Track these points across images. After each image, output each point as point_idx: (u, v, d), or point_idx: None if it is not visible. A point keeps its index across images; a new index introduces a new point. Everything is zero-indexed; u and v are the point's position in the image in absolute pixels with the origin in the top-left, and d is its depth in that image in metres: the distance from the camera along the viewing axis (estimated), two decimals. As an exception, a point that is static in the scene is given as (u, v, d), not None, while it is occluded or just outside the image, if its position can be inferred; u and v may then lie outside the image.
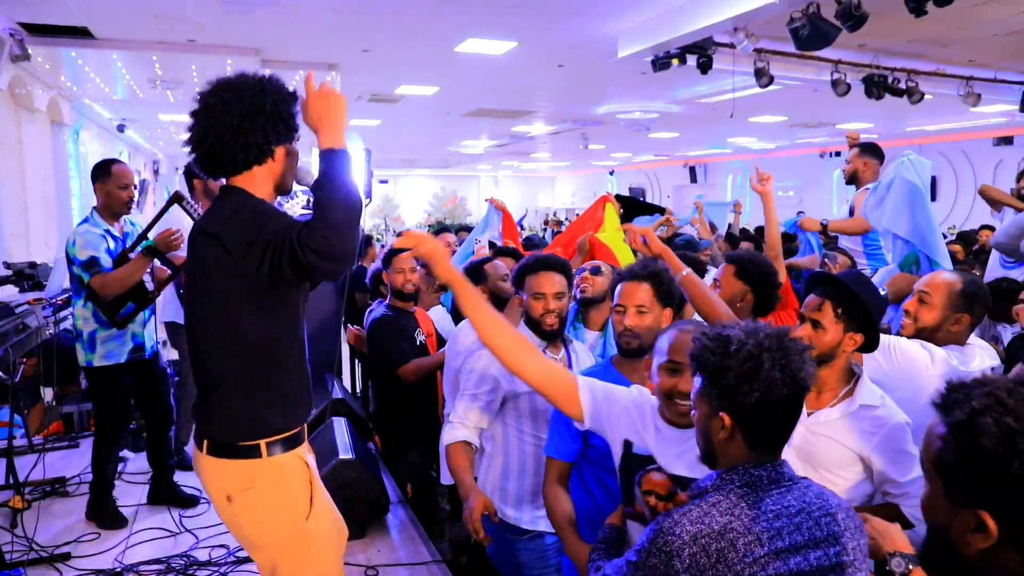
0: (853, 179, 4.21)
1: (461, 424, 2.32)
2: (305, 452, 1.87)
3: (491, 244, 4.67)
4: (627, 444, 1.81)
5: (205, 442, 1.77)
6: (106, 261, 3.26)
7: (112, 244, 3.35)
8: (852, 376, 1.97)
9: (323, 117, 1.70)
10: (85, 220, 3.37)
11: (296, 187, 1.93)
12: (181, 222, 3.37)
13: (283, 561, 1.79)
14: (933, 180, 13.82)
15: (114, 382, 3.39)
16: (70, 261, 3.28)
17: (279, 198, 1.93)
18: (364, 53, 7.09)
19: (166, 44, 6.57)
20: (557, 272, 2.46)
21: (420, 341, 3.57)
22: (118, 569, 2.99)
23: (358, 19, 5.92)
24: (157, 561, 3.07)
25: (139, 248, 3.31)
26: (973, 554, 0.94)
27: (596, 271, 2.88)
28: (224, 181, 1.81)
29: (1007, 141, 12.64)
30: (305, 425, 1.89)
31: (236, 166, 1.75)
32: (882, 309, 2.06)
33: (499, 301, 3.17)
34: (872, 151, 4.14)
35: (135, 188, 3.42)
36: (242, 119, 1.70)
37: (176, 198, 3.37)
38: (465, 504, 2.00)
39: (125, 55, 6.82)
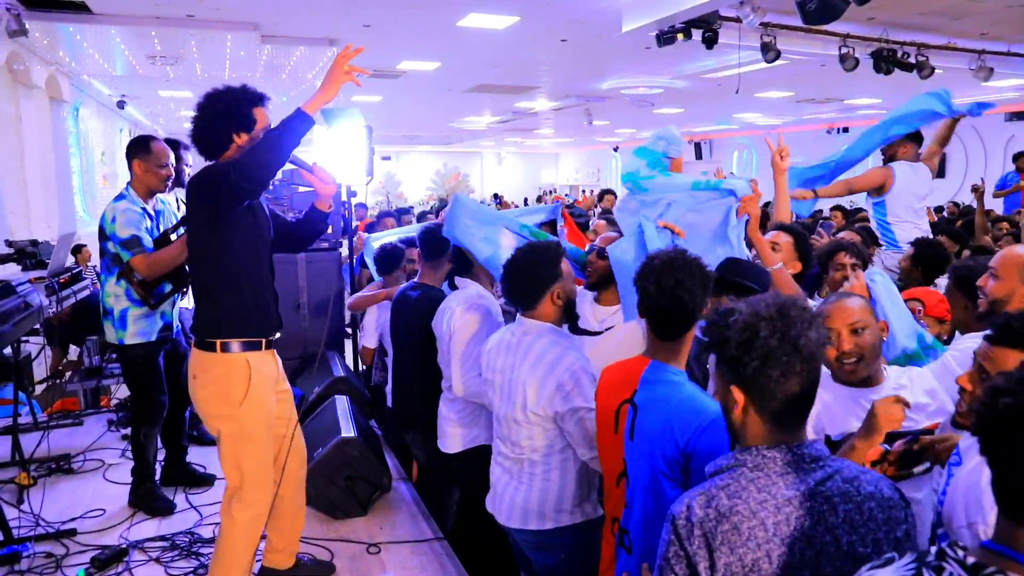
0: (892, 158, 4.36)
1: None
2: (257, 358, 2.43)
3: None
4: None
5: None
6: (148, 241, 3.20)
7: (150, 223, 3.29)
8: None
9: (323, 83, 2.30)
10: (121, 196, 3.28)
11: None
12: None
13: (226, 432, 2.43)
14: (942, 156, 13.68)
15: (147, 359, 3.35)
16: (105, 237, 3.20)
17: None
18: (365, 28, 7.00)
19: (165, 19, 6.49)
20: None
21: None
22: (123, 546, 3.01)
23: (359, -7, 5.85)
24: (162, 538, 3.09)
25: (182, 229, 3.21)
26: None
27: (601, 254, 2.83)
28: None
29: (1020, 116, 12.45)
30: (264, 339, 2.46)
31: (212, 152, 2.42)
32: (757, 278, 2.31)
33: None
34: (912, 134, 4.25)
35: (171, 167, 3.38)
36: (205, 120, 2.38)
37: None
38: None
39: (124, 30, 6.75)
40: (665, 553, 1.32)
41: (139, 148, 3.29)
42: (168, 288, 3.30)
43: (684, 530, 1.28)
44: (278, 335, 2.55)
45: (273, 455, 2.53)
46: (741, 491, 1.27)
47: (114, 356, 4.84)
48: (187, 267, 3.37)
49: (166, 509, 3.33)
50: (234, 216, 2.36)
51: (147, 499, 3.35)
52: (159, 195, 3.42)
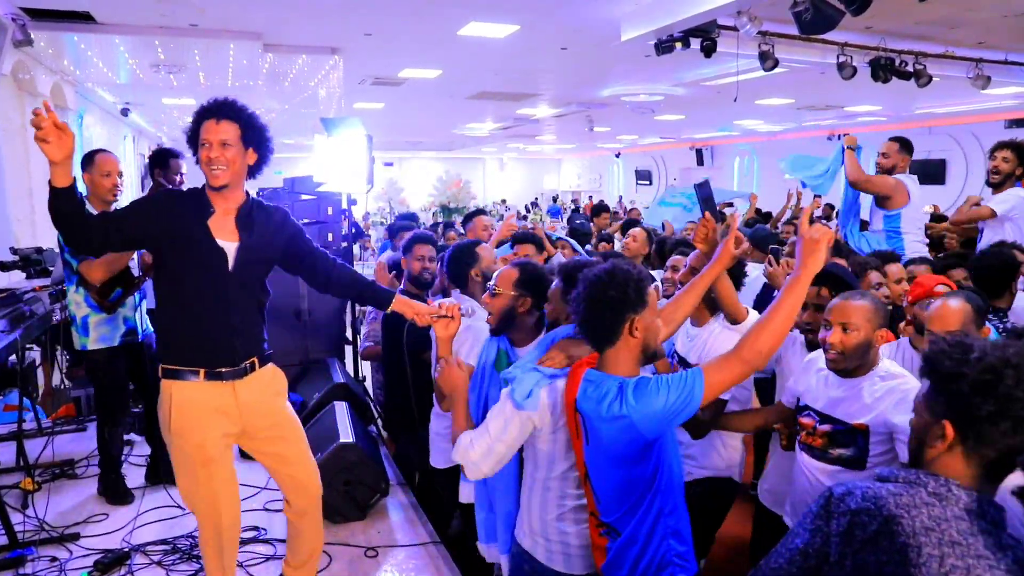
0: (891, 171, 4.55)
1: None
2: (187, 388, 2.33)
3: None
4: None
5: None
6: None
7: None
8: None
9: None
10: None
11: None
12: None
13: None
14: (943, 162, 13.71)
15: (108, 364, 3.48)
16: (62, 247, 3.35)
17: None
18: (367, 37, 7.06)
19: (168, 28, 6.56)
20: None
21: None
22: (125, 549, 3.05)
23: (360, 2, 5.90)
24: (163, 541, 3.14)
25: None
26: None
27: (493, 294, 2.46)
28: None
29: (1019, 123, 12.47)
30: (203, 369, 2.33)
31: None
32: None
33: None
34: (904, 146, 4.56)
35: (119, 176, 3.47)
36: None
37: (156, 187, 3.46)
38: None
39: (128, 39, 6.82)
40: (807, 523, 1.35)
41: (86, 161, 3.45)
42: (120, 292, 3.44)
43: (837, 512, 1.31)
44: (247, 364, 2.37)
45: (211, 489, 2.38)
46: (912, 508, 1.26)
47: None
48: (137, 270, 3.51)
49: (127, 498, 3.57)
50: (157, 247, 2.33)
51: (112, 488, 3.58)
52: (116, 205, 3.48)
